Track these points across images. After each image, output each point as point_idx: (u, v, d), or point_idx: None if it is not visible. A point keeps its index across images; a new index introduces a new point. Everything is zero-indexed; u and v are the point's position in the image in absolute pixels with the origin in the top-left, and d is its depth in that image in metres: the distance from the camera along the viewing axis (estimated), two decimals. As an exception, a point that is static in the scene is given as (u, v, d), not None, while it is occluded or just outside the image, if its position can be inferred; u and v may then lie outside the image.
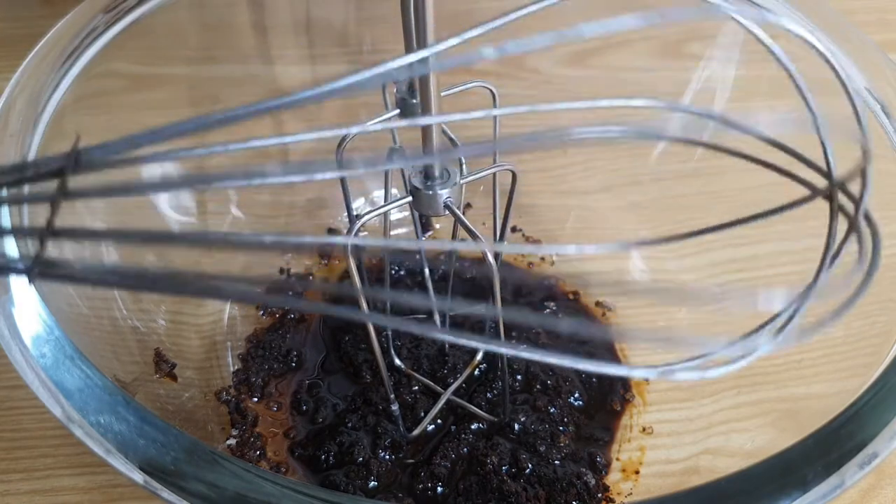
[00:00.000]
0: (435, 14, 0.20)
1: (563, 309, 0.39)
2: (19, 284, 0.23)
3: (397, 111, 0.27)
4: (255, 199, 0.40)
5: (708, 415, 0.33)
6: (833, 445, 0.21)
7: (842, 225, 0.17)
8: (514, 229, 0.42)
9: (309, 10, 0.40)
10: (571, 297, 0.40)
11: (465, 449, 0.33)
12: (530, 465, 0.32)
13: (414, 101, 0.27)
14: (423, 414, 0.34)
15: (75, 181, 0.12)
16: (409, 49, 0.24)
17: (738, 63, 0.37)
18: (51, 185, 0.13)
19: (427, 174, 0.24)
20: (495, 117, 0.30)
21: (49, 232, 0.12)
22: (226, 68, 0.39)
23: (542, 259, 0.41)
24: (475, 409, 0.34)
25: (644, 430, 0.34)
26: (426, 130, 0.23)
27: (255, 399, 0.35)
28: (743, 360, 0.14)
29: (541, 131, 0.13)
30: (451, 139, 0.28)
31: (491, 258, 0.24)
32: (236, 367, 0.35)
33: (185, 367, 0.33)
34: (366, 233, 0.41)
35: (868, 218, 0.15)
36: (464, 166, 0.27)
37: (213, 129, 0.13)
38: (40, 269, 0.11)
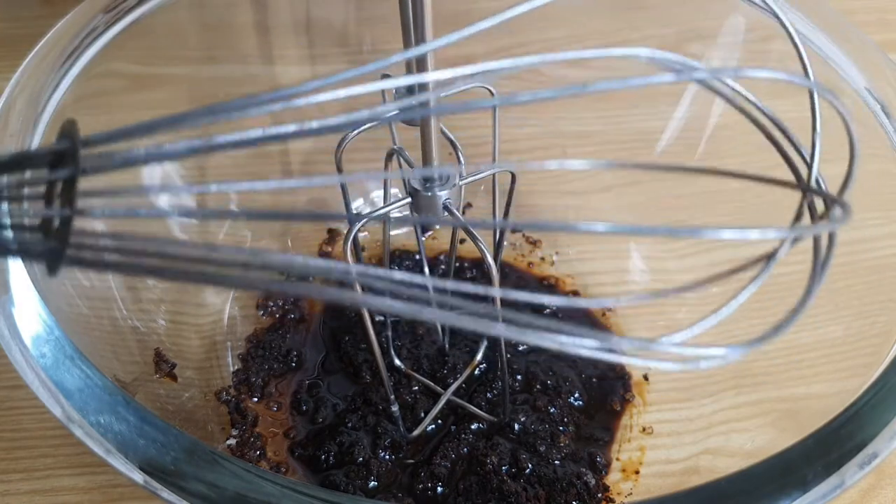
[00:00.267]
0: (433, 14, 0.20)
1: (564, 309, 0.39)
2: (20, 283, 0.23)
3: (396, 113, 0.27)
4: (255, 200, 0.40)
5: (708, 415, 0.33)
6: (833, 445, 0.21)
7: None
8: (513, 230, 0.42)
9: (309, 10, 0.40)
10: (571, 297, 0.40)
11: (465, 449, 0.33)
12: (530, 465, 0.32)
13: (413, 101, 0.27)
14: (423, 414, 0.34)
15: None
16: (407, 48, 0.24)
17: (738, 63, 0.37)
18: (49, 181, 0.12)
19: (426, 176, 0.24)
20: (495, 116, 0.30)
21: (72, 212, 0.11)
22: (226, 68, 0.39)
23: (542, 259, 0.41)
24: (475, 409, 0.34)
25: (644, 430, 0.34)
26: (426, 130, 0.23)
27: (255, 399, 0.35)
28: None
29: (552, 87, 0.13)
30: (450, 140, 0.28)
31: (490, 258, 0.24)
32: (236, 367, 0.35)
33: (185, 367, 0.33)
34: (365, 233, 0.41)
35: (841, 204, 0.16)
36: (463, 167, 0.27)
37: (217, 119, 0.13)
38: (68, 254, 0.11)
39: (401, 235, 0.42)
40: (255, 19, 0.40)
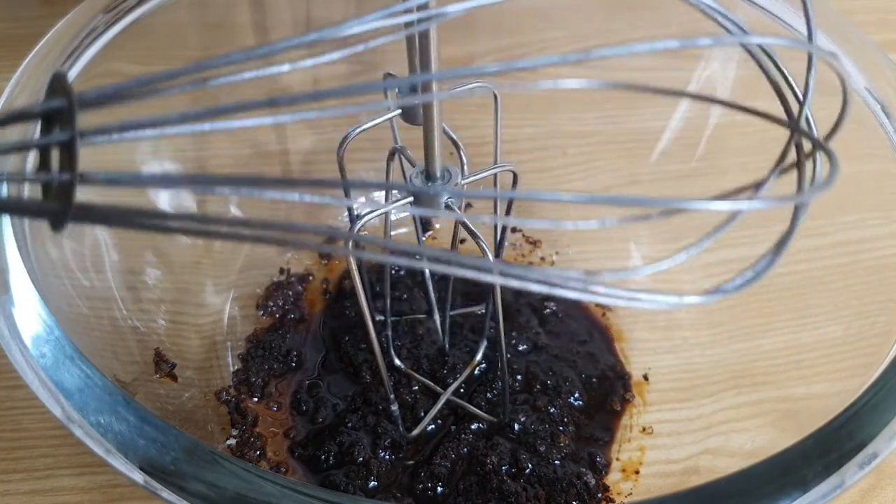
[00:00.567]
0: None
1: (563, 309, 0.39)
2: (20, 283, 0.23)
3: (399, 112, 0.27)
4: (255, 199, 0.40)
5: (708, 415, 0.33)
6: (833, 445, 0.21)
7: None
8: (513, 229, 0.42)
9: (309, 10, 0.40)
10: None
11: (465, 449, 0.33)
12: (530, 465, 0.32)
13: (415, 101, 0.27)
14: (423, 414, 0.34)
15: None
16: (410, 48, 0.24)
17: (738, 63, 0.37)
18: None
19: (428, 174, 0.24)
20: (496, 116, 0.30)
21: (73, 177, 0.11)
22: (226, 68, 0.39)
23: (542, 259, 0.41)
24: (475, 409, 0.34)
25: (644, 430, 0.34)
26: (428, 130, 0.23)
27: (255, 399, 0.34)
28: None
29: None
30: (452, 140, 0.28)
31: (491, 257, 0.24)
32: (236, 367, 0.35)
33: (185, 367, 0.33)
34: (366, 232, 0.41)
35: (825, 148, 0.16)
36: (465, 167, 0.27)
37: (210, 73, 0.12)
38: (73, 211, 0.11)
39: (401, 235, 0.42)
40: (255, 19, 0.40)
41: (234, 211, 0.39)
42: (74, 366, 0.21)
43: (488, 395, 0.35)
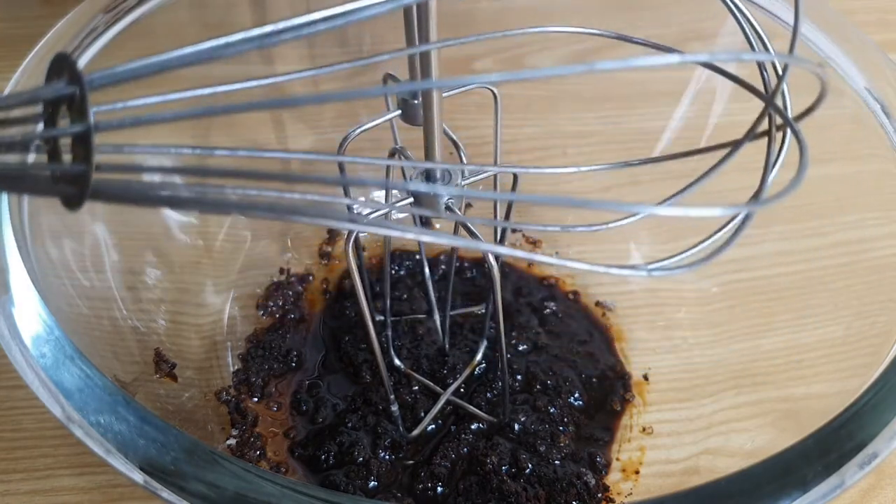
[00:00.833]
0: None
1: (563, 309, 0.39)
2: (20, 283, 0.23)
3: (398, 112, 0.27)
4: (254, 200, 0.40)
5: (708, 415, 0.33)
6: (833, 445, 0.21)
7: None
8: (513, 230, 0.42)
9: (309, 11, 0.40)
10: (571, 296, 0.40)
11: (465, 449, 0.33)
12: (530, 465, 0.32)
13: (416, 101, 0.27)
14: (422, 414, 0.34)
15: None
16: (409, 48, 0.24)
17: (737, 63, 0.37)
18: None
19: (428, 175, 0.24)
20: (497, 117, 0.30)
21: (88, 168, 0.11)
22: (226, 68, 0.39)
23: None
24: (475, 409, 0.34)
25: (644, 430, 0.34)
26: (428, 130, 0.23)
27: (255, 399, 0.34)
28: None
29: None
30: (452, 140, 0.28)
31: (492, 258, 0.24)
32: (236, 367, 0.35)
33: (185, 367, 0.33)
34: (366, 233, 0.41)
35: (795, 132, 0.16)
36: (465, 167, 0.27)
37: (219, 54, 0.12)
38: (93, 186, 0.11)
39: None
40: (255, 19, 0.40)
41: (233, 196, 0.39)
42: (74, 366, 0.21)
43: (488, 395, 0.35)
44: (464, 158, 0.27)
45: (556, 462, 0.32)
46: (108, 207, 0.32)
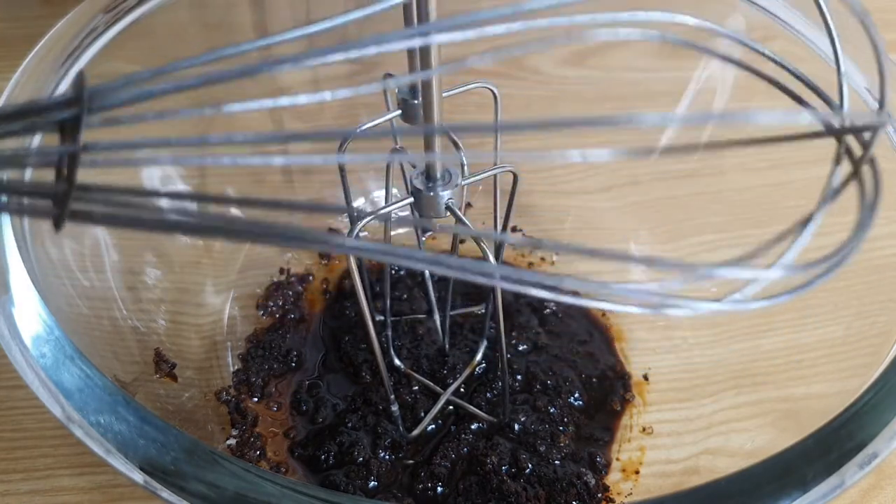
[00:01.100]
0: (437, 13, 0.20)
1: (563, 309, 0.39)
2: (20, 283, 0.23)
3: (399, 112, 0.27)
4: (255, 199, 0.40)
5: (708, 415, 0.33)
6: (833, 445, 0.21)
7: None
8: (513, 229, 0.42)
9: (309, 11, 0.40)
10: (572, 296, 0.39)
11: (465, 449, 0.33)
12: (530, 465, 0.32)
13: (415, 101, 0.27)
14: (422, 414, 0.34)
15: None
16: (410, 49, 0.24)
17: (738, 63, 0.37)
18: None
19: (429, 175, 0.24)
20: (497, 117, 0.30)
21: (72, 189, 0.11)
22: (226, 68, 0.39)
23: (543, 259, 0.41)
24: (475, 409, 0.34)
25: (644, 430, 0.34)
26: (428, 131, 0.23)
27: (255, 399, 0.34)
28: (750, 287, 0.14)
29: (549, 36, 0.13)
30: (453, 141, 0.28)
31: (492, 259, 0.24)
32: (236, 367, 0.35)
33: (185, 367, 0.33)
34: (366, 233, 0.41)
35: (872, 161, 0.15)
36: (465, 167, 0.27)
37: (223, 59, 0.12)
38: (69, 211, 0.11)
39: (401, 235, 0.42)
40: (255, 19, 0.40)
41: (234, 211, 0.39)
42: (74, 366, 0.21)
43: (488, 395, 0.35)
44: (464, 159, 0.27)
45: (556, 462, 0.32)
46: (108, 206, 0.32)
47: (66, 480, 0.31)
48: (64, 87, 0.28)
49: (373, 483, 0.31)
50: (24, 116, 0.12)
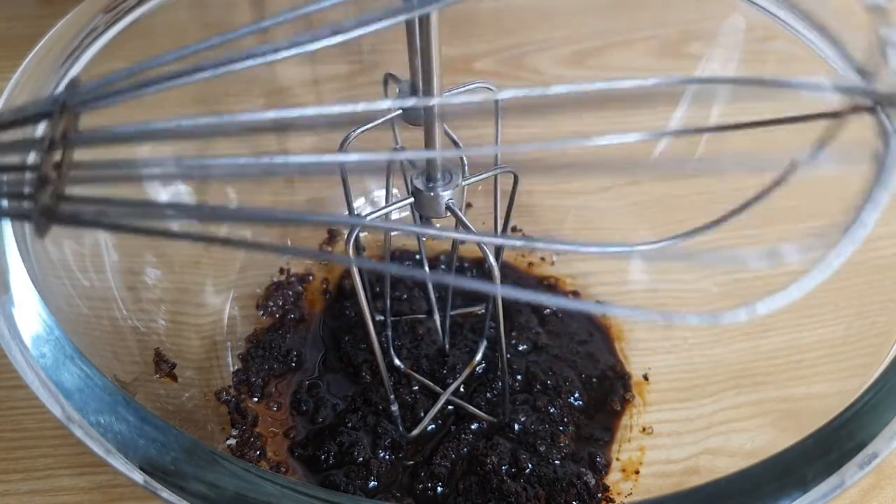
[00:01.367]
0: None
1: (563, 309, 0.39)
2: (20, 283, 0.23)
3: (399, 112, 0.27)
4: (255, 200, 0.40)
5: (708, 415, 0.33)
6: (833, 445, 0.21)
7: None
8: (514, 229, 0.42)
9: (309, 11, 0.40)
10: (571, 296, 0.40)
11: (465, 449, 0.33)
12: (530, 465, 0.32)
13: (415, 101, 0.27)
14: (422, 414, 0.34)
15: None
16: (411, 49, 0.24)
17: (738, 63, 0.37)
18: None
19: (429, 175, 0.24)
20: (497, 117, 0.30)
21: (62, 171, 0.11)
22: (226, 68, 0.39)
23: (543, 259, 0.41)
24: (475, 409, 0.34)
25: (644, 430, 0.34)
26: (429, 130, 0.23)
27: (255, 399, 0.34)
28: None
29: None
30: (453, 141, 0.28)
31: (492, 259, 0.24)
32: (236, 367, 0.35)
33: (185, 367, 0.33)
34: (365, 233, 0.41)
35: None
36: (466, 168, 0.27)
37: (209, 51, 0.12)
38: (49, 215, 0.11)
39: (401, 235, 0.42)
40: (255, 19, 0.40)
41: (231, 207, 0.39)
42: (74, 366, 0.21)
43: (488, 395, 0.35)
44: (464, 159, 0.27)
45: (556, 462, 0.32)
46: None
47: (66, 480, 0.31)
48: (64, 86, 0.28)
49: (373, 483, 0.31)
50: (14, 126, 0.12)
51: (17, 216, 0.12)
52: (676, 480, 0.32)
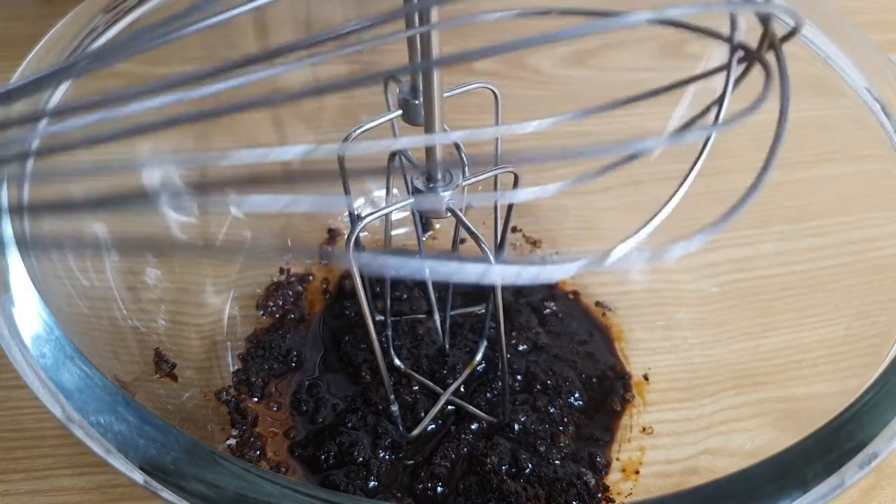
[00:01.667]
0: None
1: (563, 309, 0.39)
2: (20, 283, 0.23)
3: (399, 112, 0.27)
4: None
5: (708, 415, 0.33)
6: (833, 445, 0.21)
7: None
8: (514, 229, 0.42)
9: (309, 11, 0.40)
10: (571, 297, 0.40)
11: (465, 449, 0.33)
12: (530, 465, 0.32)
13: (416, 101, 0.27)
14: (422, 414, 0.34)
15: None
16: (411, 48, 0.24)
17: (738, 63, 0.37)
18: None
19: (429, 176, 0.24)
20: (497, 117, 0.30)
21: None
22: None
23: (542, 259, 0.41)
24: (475, 409, 0.34)
25: (644, 430, 0.34)
26: (429, 130, 0.23)
27: (255, 399, 0.34)
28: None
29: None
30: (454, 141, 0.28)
31: (493, 259, 0.24)
32: (236, 367, 0.35)
33: (185, 367, 0.33)
34: (365, 233, 0.41)
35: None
36: (466, 168, 0.27)
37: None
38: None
39: (401, 235, 0.42)
40: (255, 19, 0.40)
41: (234, 211, 0.39)
42: (74, 366, 0.21)
43: (488, 395, 0.35)
44: (465, 159, 0.27)
45: (556, 462, 0.32)
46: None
47: (66, 480, 0.31)
48: (64, 87, 0.28)
49: (373, 483, 0.31)
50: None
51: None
52: (676, 480, 0.32)
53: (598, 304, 0.39)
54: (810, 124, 0.34)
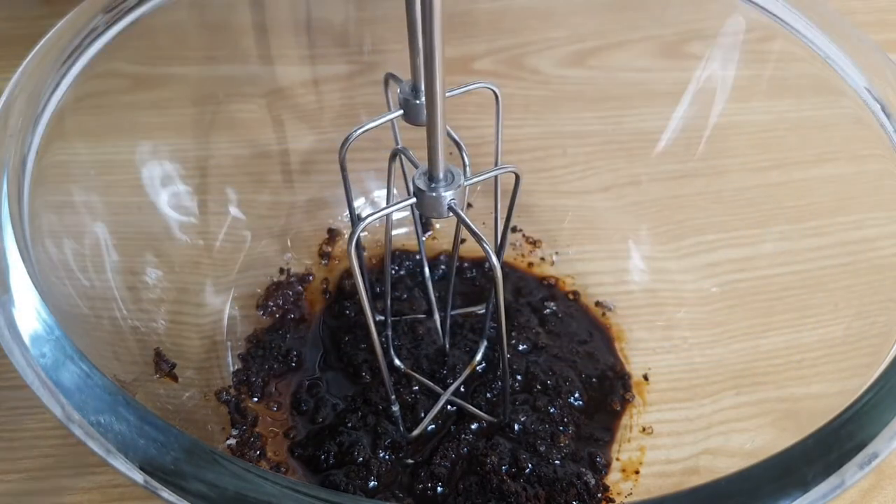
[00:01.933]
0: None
1: (563, 309, 0.39)
2: (20, 283, 0.23)
3: (400, 112, 0.27)
4: (255, 200, 0.40)
5: (708, 415, 0.33)
6: (833, 445, 0.21)
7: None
8: (514, 229, 0.42)
9: (309, 11, 0.40)
10: (571, 297, 0.40)
11: (465, 449, 0.33)
12: (530, 465, 0.32)
13: (417, 101, 0.27)
14: (423, 414, 0.34)
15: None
16: (412, 48, 0.24)
17: (737, 63, 0.37)
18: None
19: (431, 176, 0.24)
20: (498, 117, 0.30)
21: None
22: (226, 68, 0.39)
23: (542, 259, 0.41)
24: (475, 409, 0.34)
25: (644, 430, 0.34)
26: (431, 130, 0.23)
27: (255, 399, 0.34)
28: None
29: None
30: (455, 141, 0.28)
31: (494, 259, 0.24)
32: (236, 367, 0.35)
33: (185, 367, 0.33)
34: (365, 233, 0.41)
35: None
36: (467, 168, 0.27)
37: None
38: None
39: (401, 236, 0.42)
40: (255, 19, 0.40)
41: (234, 211, 0.39)
42: (74, 366, 0.21)
43: (488, 395, 0.35)
44: (466, 159, 0.27)
45: (556, 462, 0.32)
46: (108, 207, 0.32)
47: (66, 480, 0.31)
48: (64, 87, 0.28)
49: (373, 483, 0.31)
50: None
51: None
52: (676, 480, 0.32)
53: (598, 304, 0.39)
54: (810, 124, 0.34)
